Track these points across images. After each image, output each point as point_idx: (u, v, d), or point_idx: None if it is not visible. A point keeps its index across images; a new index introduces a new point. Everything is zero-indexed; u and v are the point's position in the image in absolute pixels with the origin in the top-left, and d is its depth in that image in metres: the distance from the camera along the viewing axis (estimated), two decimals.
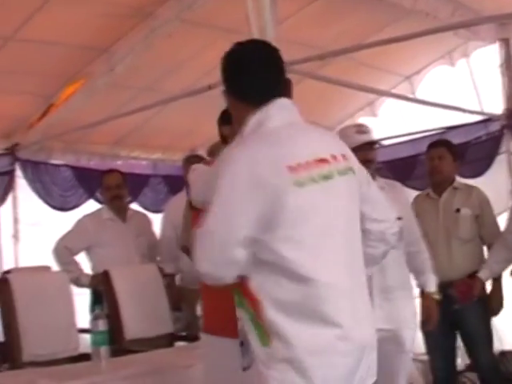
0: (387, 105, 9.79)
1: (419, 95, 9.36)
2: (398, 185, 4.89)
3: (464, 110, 7.94)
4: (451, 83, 9.33)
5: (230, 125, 3.48)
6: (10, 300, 5.17)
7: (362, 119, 9.99)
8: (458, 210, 5.65)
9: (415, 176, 8.50)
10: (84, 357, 4.89)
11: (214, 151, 4.55)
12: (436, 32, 6.05)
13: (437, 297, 4.76)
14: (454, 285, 5.50)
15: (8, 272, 6.19)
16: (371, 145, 4.61)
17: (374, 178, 4.53)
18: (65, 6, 6.18)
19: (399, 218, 4.49)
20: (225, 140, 3.70)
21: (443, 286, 5.30)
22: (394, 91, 9.32)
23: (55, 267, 6.31)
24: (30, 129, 8.27)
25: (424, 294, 4.77)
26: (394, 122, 9.75)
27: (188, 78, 7.59)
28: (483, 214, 5.70)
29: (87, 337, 4.84)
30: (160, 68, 7.39)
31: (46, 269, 6.35)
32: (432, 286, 4.75)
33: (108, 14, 6.57)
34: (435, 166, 5.76)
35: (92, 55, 7.15)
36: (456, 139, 7.28)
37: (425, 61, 9.35)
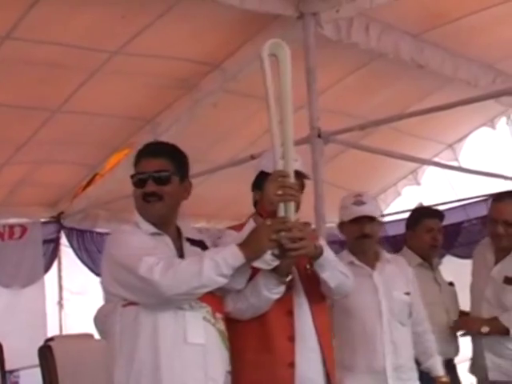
0: (430, 172, 9.77)
1: (462, 161, 9.35)
2: (402, 259, 4.65)
3: (506, 178, 7.89)
4: (493, 147, 9.32)
5: (260, 190, 3.53)
6: (53, 367, 5.20)
7: (405, 188, 10.00)
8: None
9: (459, 243, 8.44)
10: None
11: None
12: (478, 100, 6.08)
13: (446, 379, 4.50)
14: None
15: (51, 339, 6.22)
16: (369, 218, 4.29)
17: (378, 252, 4.41)
18: (110, 78, 6.32)
19: (407, 294, 4.42)
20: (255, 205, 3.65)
21: None
22: (436, 159, 9.31)
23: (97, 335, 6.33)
24: (75, 197, 8.39)
25: (434, 379, 4.48)
26: (437, 190, 9.72)
27: (232, 148, 7.66)
28: None
29: None
30: (204, 138, 7.47)
31: (89, 337, 6.36)
32: (441, 369, 4.52)
33: (153, 86, 6.69)
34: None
35: (137, 126, 7.26)
36: None
37: (467, 128, 9.34)
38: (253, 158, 5.76)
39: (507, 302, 4.67)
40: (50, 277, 8.48)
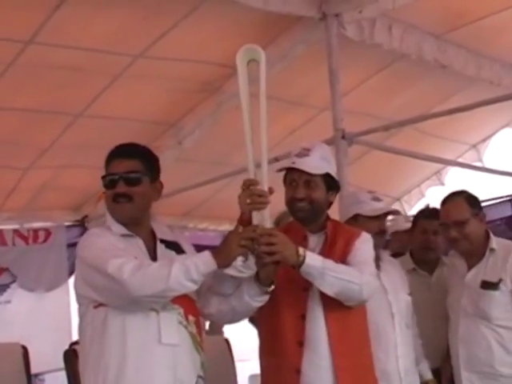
0: (454, 173, 9.72)
1: (486, 161, 9.30)
2: (397, 262, 4.52)
3: None
4: None
5: None
6: (78, 372, 5.20)
7: (429, 189, 9.96)
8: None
9: None
10: None
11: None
12: (502, 100, 6.03)
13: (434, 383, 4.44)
14: None
15: (76, 343, 6.22)
16: (384, 215, 4.25)
17: (378, 252, 4.07)
18: (133, 82, 6.33)
19: (409, 294, 4.34)
20: None
21: None
22: (460, 160, 9.27)
23: None
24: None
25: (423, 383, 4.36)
26: None
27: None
28: None
29: None
30: (227, 141, 7.45)
31: None
32: (430, 373, 4.42)
33: (175, 90, 6.70)
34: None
35: (160, 130, 7.26)
36: None
37: (491, 128, 9.30)
38: (277, 160, 5.73)
39: (486, 308, 4.23)
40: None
